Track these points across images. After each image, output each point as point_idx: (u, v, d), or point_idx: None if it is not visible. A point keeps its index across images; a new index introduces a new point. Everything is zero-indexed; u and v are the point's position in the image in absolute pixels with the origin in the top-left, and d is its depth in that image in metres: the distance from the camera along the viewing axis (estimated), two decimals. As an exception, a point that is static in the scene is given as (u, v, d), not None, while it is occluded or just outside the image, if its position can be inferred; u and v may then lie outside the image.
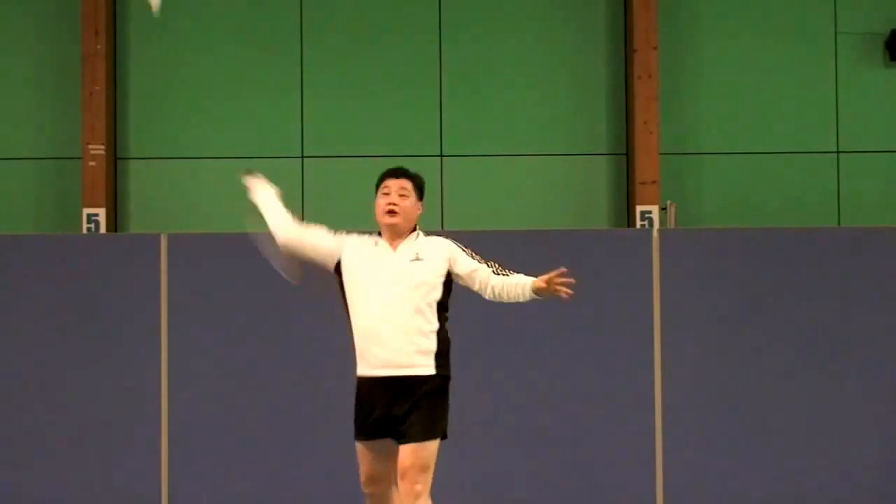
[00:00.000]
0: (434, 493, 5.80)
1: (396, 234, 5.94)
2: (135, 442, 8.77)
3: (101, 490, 8.75)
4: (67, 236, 9.76)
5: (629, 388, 8.78)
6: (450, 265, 5.91)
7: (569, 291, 5.73)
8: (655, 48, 10.34)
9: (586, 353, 8.80)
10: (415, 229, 6.00)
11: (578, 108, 10.61)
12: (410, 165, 6.12)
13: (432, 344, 5.84)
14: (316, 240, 6.03)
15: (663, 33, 10.47)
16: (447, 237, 6.05)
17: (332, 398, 8.18)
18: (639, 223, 10.13)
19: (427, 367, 5.83)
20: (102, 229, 10.11)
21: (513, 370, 8.79)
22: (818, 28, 10.61)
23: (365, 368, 5.86)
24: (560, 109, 10.61)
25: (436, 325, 5.86)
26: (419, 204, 6.02)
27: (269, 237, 6.08)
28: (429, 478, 5.78)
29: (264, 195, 6.20)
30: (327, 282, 6.03)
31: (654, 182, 10.24)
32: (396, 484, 5.89)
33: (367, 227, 6.11)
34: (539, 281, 5.75)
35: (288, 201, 6.18)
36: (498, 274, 5.89)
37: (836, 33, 10.60)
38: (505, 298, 5.89)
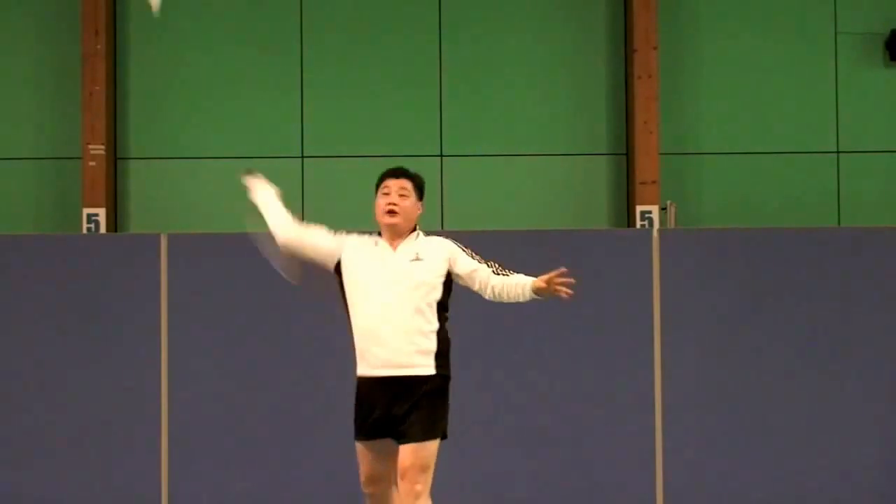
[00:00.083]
0: (434, 493, 5.80)
1: (396, 234, 5.94)
2: (135, 442, 8.77)
3: (101, 490, 8.75)
4: (67, 236, 9.76)
5: (629, 388, 8.78)
6: (450, 265, 5.91)
7: (569, 291, 5.73)
8: (655, 48, 10.34)
9: (586, 353, 8.80)
10: (415, 229, 6.01)
11: (578, 108, 10.61)
12: (410, 165, 6.12)
13: (432, 344, 5.84)
14: (316, 240, 6.03)
15: (663, 33, 10.47)
16: (447, 237, 6.05)
17: (332, 398, 8.18)
18: (639, 223, 10.13)
19: (427, 368, 5.83)
20: (102, 229, 10.11)
21: (513, 370, 8.79)
22: (818, 28, 10.61)
23: (365, 368, 5.86)
24: (560, 109, 10.61)
25: (436, 325, 5.86)
26: (419, 204, 6.02)
27: (269, 237, 6.08)
28: (429, 478, 5.78)
29: (264, 195, 6.20)
30: (327, 282, 6.03)
31: (654, 182, 10.24)
32: (396, 484, 5.89)
33: (367, 227, 6.11)
34: (539, 281, 5.75)
35: (288, 201, 6.18)
36: (498, 274, 5.89)
37: (836, 33, 10.60)
38: (505, 298, 5.89)
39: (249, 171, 6.30)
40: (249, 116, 10.55)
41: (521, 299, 5.87)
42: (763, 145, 10.58)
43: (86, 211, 10.19)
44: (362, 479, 5.99)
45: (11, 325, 8.83)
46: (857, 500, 8.77)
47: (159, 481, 8.77)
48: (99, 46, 10.27)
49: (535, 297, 5.83)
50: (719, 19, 10.64)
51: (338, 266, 5.97)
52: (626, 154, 10.55)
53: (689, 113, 10.60)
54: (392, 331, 5.78)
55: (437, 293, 5.88)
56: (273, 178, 6.24)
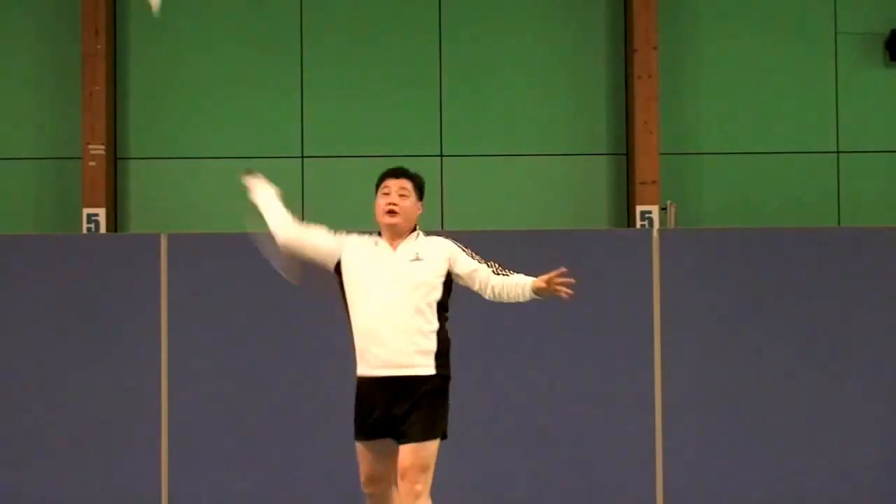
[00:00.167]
0: (434, 493, 5.80)
1: (396, 234, 5.94)
2: (135, 442, 8.77)
3: (101, 490, 8.75)
4: (67, 236, 9.76)
5: (629, 388, 8.78)
6: (450, 265, 5.91)
7: (569, 291, 5.73)
8: (655, 48, 10.34)
9: (586, 353, 8.80)
10: (415, 229, 6.01)
11: (578, 108, 10.61)
12: (410, 165, 6.12)
13: (432, 344, 5.84)
14: (316, 240, 6.03)
15: (663, 33, 10.46)
16: (447, 237, 6.05)
17: (332, 398, 8.18)
18: (639, 223, 10.13)
19: (427, 368, 5.83)
20: (102, 229, 10.11)
21: (513, 370, 8.79)
22: (818, 28, 10.61)
23: (365, 368, 5.86)
24: (560, 109, 10.61)
25: (436, 325, 5.86)
26: (419, 204, 6.02)
27: (269, 237, 6.08)
28: (429, 478, 5.78)
29: (264, 195, 6.20)
30: (327, 282, 6.03)
31: (654, 182, 10.24)
32: (396, 484, 5.89)
33: (367, 227, 6.11)
34: (539, 281, 5.75)
35: (288, 201, 6.18)
36: (498, 274, 5.89)
37: (836, 33, 10.60)
38: (505, 298, 5.89)
39: (249, 171, 6.30)
40: (249, 116, 10.55)
41: (521, 299, 5.87)
42: (763, 145, 10.58)
43: (86, 211, 10.19)
44: (362, 479, 5.99)
45: (11, 325, 8.83)
46: (857, 500, 8.77)
47: (159, 481, 8.77)
48: (99, 46, 10.27)
49: (536, 297, 5.83)
50: (719, 19, 10.64)
51: (338, 266, 5.97)
52: (626, 154, 10.55)
53: (689, 113, 10.60)
54: (392, 331, 5.78)
55: (437, 293, 5.88)
56: (273, 178, 6.24)
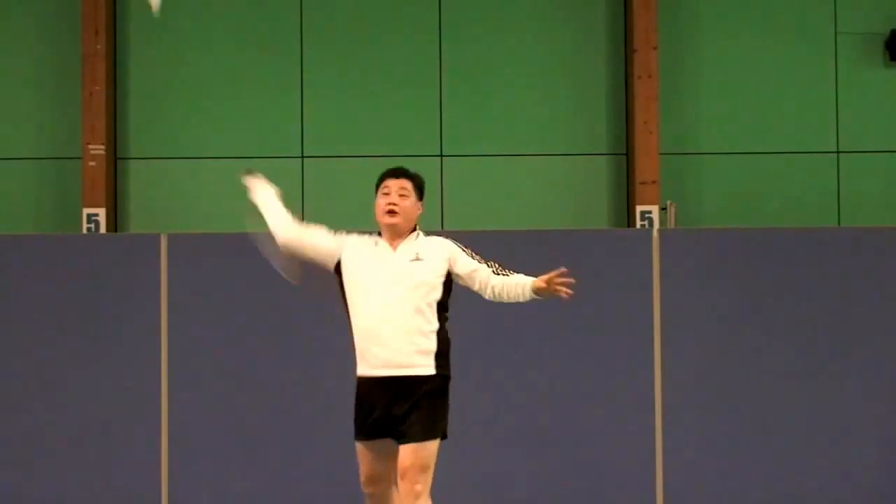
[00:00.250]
0: (434, 493, 5.80)
1: (396, 235, 5.94)
2: (135, 442, 8.77)
3: (101, 490, 8.75)
4: (67, 236, 9.76)
5: (629, 388, 8.78)
6: (450, 265, 5.91)
7: (568, 291, 5.73)
8: (655, 48, 10.34)
9: (586, 353, 8.80)
10: (415, 229, 6.01)
11: (578, 108, 10.61)
12: (410, 165, 6.12)
13: (432, 344, 5.84)
14: (316, 240, 6.03)
15: (663, 33, 10.46)
16: (447, 237, 6.05)
17: (332, 398, 8.18)
18: (639, 223, 10.13)
19: (427, 368, 5.83)
20: (102, 229, 10.11)
21: (513, 370, 8.79)
22: (818, 28, 10.61)
23: (365, 368, 5.86)
24: (560, 109, 10.61)
25: (436, 325, 5.86)
26: (419, 204, 6.02)
27: (269, 237, 6.08)
28: (429, 478, 5.78)
29: (264, 195, 6.20)
30: (327, 282, 6.03)
31: (654, 182, 10.24)
32: (396, 484, 5.89)
33: (367, 227, 6.11)
34: (539, 281, 5.75)
35: (288, 201, 6.18)
36: (498, 274, 5.90)
37: (836, 33, 10.60)
38: (505, 298, 5.89)
39: (249, 171, 6.30)
40: (249, 116, 10.55)
41: (520, 299, 5.87)
42: (763, 145, 10.58)
43: (86, 211, 10.19)
44: (362, 479, 5.99)
45: (11, 325, 8.82)
46: (857, 500, 8.77)
47: (159, 481, 8.77)
48: (99, 46, 10.27)
49: (535, 297, 5.84)
50: (719, 19, 10.64)
51: (338, 266, 5.97)
52: (626, 154, 10.55)
53: (689, 113, 10.60)
54: (392, 331, 5.78)
55: (437, 293, 5.88)
56: (273, 178, 6.24)
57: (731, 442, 8.79)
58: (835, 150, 10.57)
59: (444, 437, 5.89)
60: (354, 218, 7.16)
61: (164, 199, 10.52)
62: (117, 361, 8.79)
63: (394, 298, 5.79)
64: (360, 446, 5.94)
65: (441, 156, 10.56)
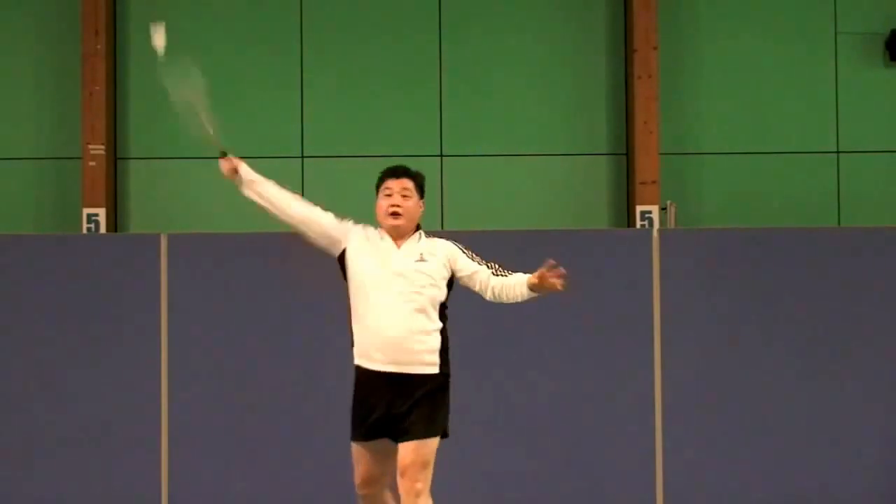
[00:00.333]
0: (434, 493, 5.81)
1: (399, 235, 5.96)
2: (135, 442, 8.77)
3: (101, 490, 8.75)
4: (67, 236, 9.76)
5: (629, 388, 8.78)
6: (451, 266, 5.93)
7: (561, 283, 5.73)
8: (655, 48, 10.34)
9: (586, 353, 8.80)
10: (418, 228, 6.02)
11: (578, 108, 10.61)
12: (410, 165, 6.13)
13: (435, 342, 5.86)
14: (323, 224, 6.00)
15: (663, 33, 10.46)
16: (447, 237, 6.07)
17: (331, 398, 8.17)
18: (639, 223, 10.13)
19: (431, 367, 5.85)
20: (102, 229, 10.11)
21: (513, 370, 8.79)
22: (818, 28, 10.61)
23: (367, 363, 5.86)
24: (560, 109, 10.61)
25: (438, 324, 5.88)
26: (421, 202, 6.04)
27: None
28: (429, 475, 5.79)
29: (255, 174, 6.18)
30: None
31: (654, 182, 10.24)
32: (390, 486, 5.90)
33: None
34: (532, 277, 5.79)
35: (288, 201, 6.17)
36: (497, 275, 5.92)
37: (836, 33, 10.59)
38: (505, 299, 5.91)
39: (224, 154, 6.30)
40: (249, 116, 10.54)
41: (520, 299, 5.90)
42: (763, 145, 10.57)
43: (86, 211, 10.18)
44: (358, 480, 5.99)
45: (11, 325, 8.82)
46: (857, 500, 8.77)
47: (159, 481, 8.77)
48: (99, 46, 10.27)
49: (533, 293, 5.86)
50: (719, 19, 10.64)
51: (342, 255, 5.97)
52: (626, 154, 10.55)
53: (689, 113, 10.59)
54: (396, 329, 5.79)
55: (440, 293, 5.90)
56: (273, 178, 6.24)
57: (731, 442, 8.78)
58: (835, 150, 10.56)
59: (445, 435, 5.90)
60: (355, 218, 7.15)
61: (164, 199, 10.52)
62: (117, 361, 8.79)
63: (399, 298, 5.80)
64: (357, 447, 5.94)
65: (441, 156, 10.56)
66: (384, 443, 5.86)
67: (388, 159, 6.73)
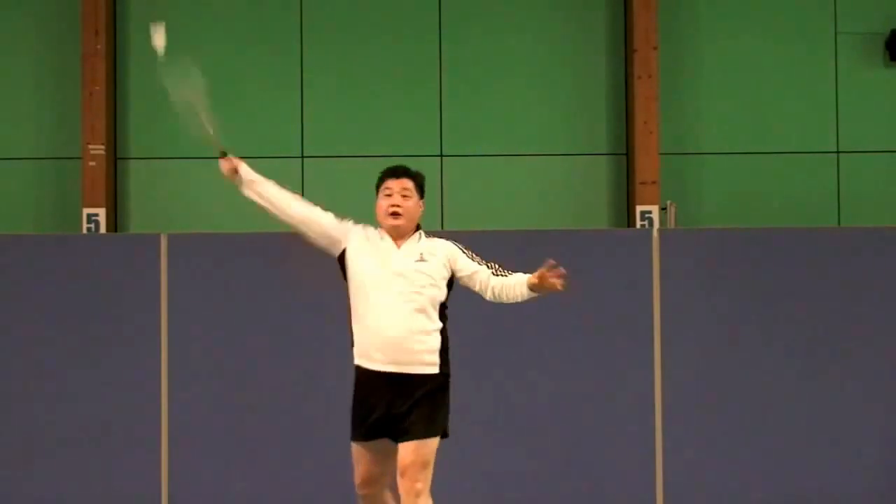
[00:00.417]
0: (434, 493, 5.81)
1: (400, 235, 5.96)
2: (135, 442, 8.77)
3: (101, 490, 8.75)
4: (67, 236, 9.76)
5: (629, 388, 8.78)
6: (451, 266, 5.93)
7: (561, 283, 5.74)
8: (655, 48, 10.34)
9: (586, 353, 8.80)
10: (418, 228, 6.03)
11: (578, 108, 10.61)
12: (410, 165, 6.13)
13: (435, 342, 5.86)
14: (323, 224, 6.01)
15: (663, 33, 10.46)
16: (447, 237, 6.07)
17: (331, 398, 8.17)
18: (639, 223, 10.13)
19: (431, 366, 5.85)
20: (102, 229, 10.11)
21: (513, 370, 8.79)
22: (818, 28, 10.61)
23: (367, 363, 5.86)
24: (560, 109, 10.61)
25: (438, 324, 5.89)
26: (421, 202, 6.04)
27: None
28: (429, 475, 5.79)
29: (255, 174, 6.18)
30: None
31: (654, 182, 10.24)
32: (390, 486, 5.90)
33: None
34: (532, 277, 5.80)
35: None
36: (497, 275, 5.92)
37: (836, 33, 10.60)
38: (505, 299, 5.92)
39: (224, 154, 6.31)
40: (249, 116, 10.54)
41: (520, 299, 5.90)
42: (763, 145, 10.57)
43: (86, 211, 10.19)
44: (358, 480, 5.99)
45: (11, 325, 8.82)
46: (857, 500, 8.77)
47: (159, 481, 8.77)
48: (99, 46, 10.27)
49: (533, 294, 5.86)
50: (719, 19, 10.64)
51: (342, 255, 5.97)
52: (626, 154, 10.55)
53: (689, 113, 10.59)
54: (396, 330, 5.79)
55: (441, 293, 5.90)
56: (273, 178, 6.24)
57: (731, 442, 8.78)
58: (835, 150, 10.56)
59: (445, 435, 5.90)
60: (355, 218, 7.15)
61: (164, 199, 10.52)
62: (117, 361, 8.79)
63: (399, 298, 5.80)
64: (357, 447, 5.94)
65: (441, 156, 10.56)
66: (384, 443, 5.86)
67: (388, 159, 6.74)
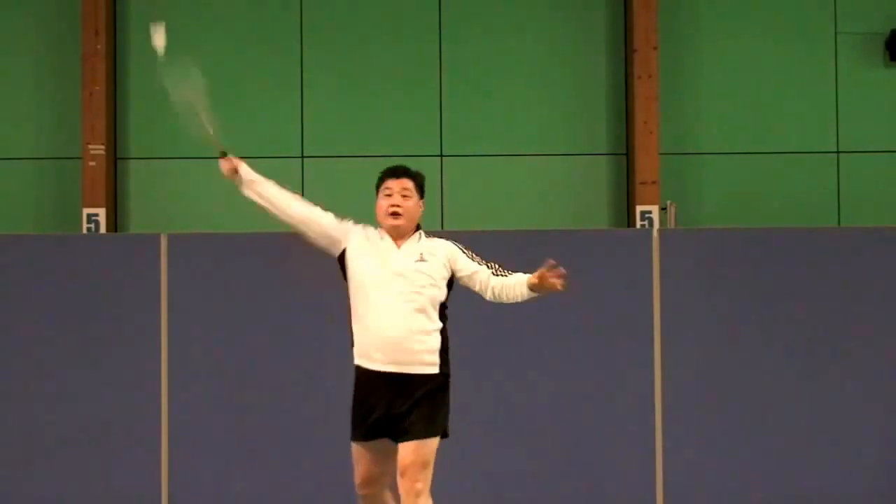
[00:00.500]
0: (434, 493, 5.81)
1: (400, 235, 5.96)
2: (135, 442, 8.77)
3: (101, 490, 8.75)
4: (67, 236, 9.76)
5: (629, 388, 8.78)
6: (451, 266, 5.93)
7: (562, 283, 5.74)
8: (655, 48, 10.34)
9: (586, 353, 8.80)
10: (418, 228, 6.03)
11: (578, 108, 10.61)
12: (410, 165, 6.13)
13: (435, 342, 5.87)
14: (323, 224, 6.01)
15: (663, 33, 10.46)
16: (447, 237, 6.07)
17: (332, 398, 8.16)
18: (639, 223, 10.13)
19: (432, 367, 5.85)
20: (102, 229, 10.11)
21: (513, 370, 8.79)
22: (818, 28, 10.61)
23: (367, 363, 5.87)
24: (560, 109, 10.61)
25: (438, 324, 5.89)
26: (421, 202, 6.04)
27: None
28: (429, 475, 5.79)
29: (255, 174, 6.19)
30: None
31: (654, 182, 10.24)
32: (390, 486, 5.90)
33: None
34: (532, 277, 5.80)
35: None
36: (497, 275, 5.92)
37: (836, 33, 10.60)
38: (505, 299, 5.92)
39: (224, 154, 6.31)
40: (249, 116, 10.54)
41: (520, 299, 5.90)
42: (763, 145, 10.57)
43: (86, 211, 10.19)
44: (358, 480, 5.99)
45: (11, 325, 8.82)
46: (857, 500, 8.77)
47: (159, 481, 8.77)
48: (99, 46, 10.27)
49: (533, 294, 5.86)
50: (719, 19, 10.64)
51: (342, 255, 5.97)
52: (626, 154, 10.55)
53: (689, 113, 10.59)
54: (396, 329, 5.79)
55: (440, 293, 5.90)
56: (273, 178, 6.24)
57: (731, 442, 8.78)
58: (835, 150, 10.57)
59: (445, 435, 5.90)
60: (355, 218, 7.15)
61: (164, 199, 10.52)
62: (117, 361, 8.79)
63: (399, 298, 5.80)
64: (357, 447, 5.94)
65: (441, 156, 10.56)
66: (384, 443, 5.86)
67: (388, 159, 6.74)
